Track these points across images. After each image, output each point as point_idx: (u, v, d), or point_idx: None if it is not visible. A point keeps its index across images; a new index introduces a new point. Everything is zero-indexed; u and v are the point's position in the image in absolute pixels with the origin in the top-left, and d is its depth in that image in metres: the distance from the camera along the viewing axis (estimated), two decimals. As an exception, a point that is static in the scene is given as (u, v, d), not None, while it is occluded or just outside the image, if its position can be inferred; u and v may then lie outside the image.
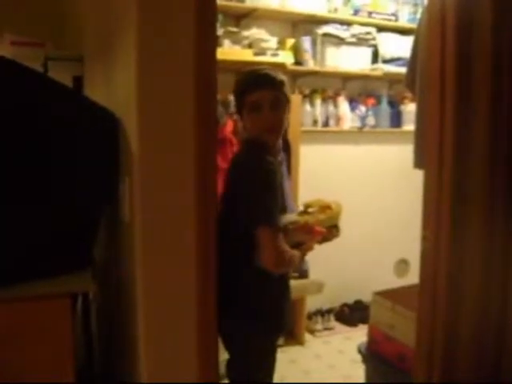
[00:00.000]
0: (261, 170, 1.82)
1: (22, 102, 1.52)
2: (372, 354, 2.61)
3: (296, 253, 1.91)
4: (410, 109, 4.15)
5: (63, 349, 1.60)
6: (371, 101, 4.25)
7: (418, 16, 3.49)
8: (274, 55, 3.64)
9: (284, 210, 1.91)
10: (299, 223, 1.98)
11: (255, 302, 1.93)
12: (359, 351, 2.70)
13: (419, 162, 2.49)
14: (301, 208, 2.12)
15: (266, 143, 1.88)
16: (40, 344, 1.58)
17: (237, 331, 1.97)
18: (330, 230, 2.07)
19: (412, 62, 2.68)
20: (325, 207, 2.08)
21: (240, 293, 1.92)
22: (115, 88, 1.90)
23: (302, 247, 1.99)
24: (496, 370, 2.10)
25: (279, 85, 1.91)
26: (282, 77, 1.95)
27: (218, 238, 1.69)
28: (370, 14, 4.06)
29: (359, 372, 2.80)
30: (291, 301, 2.12)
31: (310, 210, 2.07)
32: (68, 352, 1.61)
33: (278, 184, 1.82)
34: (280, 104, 1.91)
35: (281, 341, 3.63)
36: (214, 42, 1.65)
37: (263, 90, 1.88)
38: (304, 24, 3.95)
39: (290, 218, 1.95)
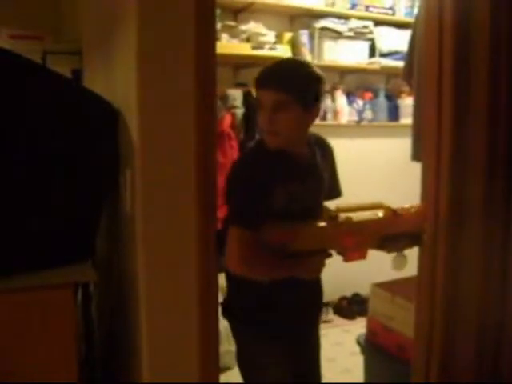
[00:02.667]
0: (238, 170, 1.74)
1: (22, 92, 1.52)
2: (371, 346, 2.62)
3: (280, 260, 1.68)
4: (407, 102, 4.15)
5: (66, 338, 1.61)
6: (369, 95, 4.25)
7: (415, 10, 3.50)
8: (272, 49, 3.64)
9: (304, 211, 1.77)
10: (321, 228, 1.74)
11: (239, 306, 1.85)
12: (358, 343, 2.72)
13: (417, 155, 2.50)
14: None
15: (264, 144, 1.74)
16: (43, 334, 1.59)
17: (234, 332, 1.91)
18: (401, 238, 1.87)
19: (409, 56, 2.68)
20: (387, 211, 1.84)
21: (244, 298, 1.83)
22: (115, 80, 1.90)
23: (318, 255, 1.77)
24: (496, 360, 2.12)
25: (290, 86, 1.67)
26: (305, 77, 1.72)
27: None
28: (367, 7, 4.06)
29: (358, 364, 2.81)
30: (297, 305, 1.88)
31: (340, 214, 1.78)
32: (71, 342, 1.62)
33: (270, 185, 1.68)
34: (287, 107, 1.66)
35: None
36: (214, 34, 1.65)
37: (266, 90, 1.68)
38: (301, 18, 3.95)
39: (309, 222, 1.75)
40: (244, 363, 1.87)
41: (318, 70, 1.77)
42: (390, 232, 1.85)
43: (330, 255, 1.80)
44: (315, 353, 2.06)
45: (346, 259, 1.82)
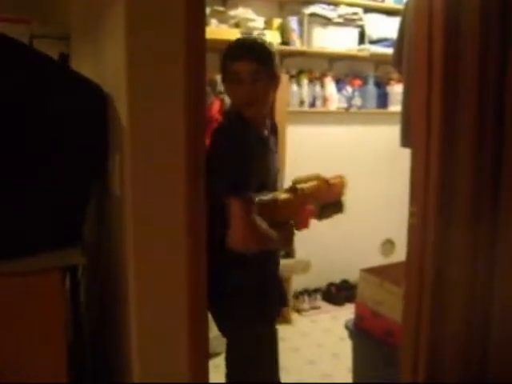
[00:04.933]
0: (232, 142, 1.75)
1: (9, 74, 1.51)
2: (359, 330, 2.64)
3: (273, 232, 1.80)
4: (396, 90, 4.17)
5: (54, 324, 1.61)
6: (358, 82, 4.25)
7: (405, -4, 3.50)
8: (261, 35, 3.62)
9: (265, 186, 1.85)
10: (288, 199, 1.90)
11: (234, 289, 1.87)
12: (346, 327, 2.74)
13: (406, 141, 2.52)
14: (288, 184, 2.03)
15: (244, 118, 1.81)
16: (31, 319, 1.59)
17: (224, 321, 1.94)
18: (331, 207, 2.04)
19: (399, 42, 2.69)
20: (323, 182, 2.02)
21: (216, 280, 1.80)
22: (104, 64, 1.89)
23: (286, 226, 1.91)
24: (484, 343, 2.14)
25: (265, 57, 1.82)
26: (272, 49, 1.87)
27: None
28: (356, -6, 4.05)
29: (346, 349, 2.83)
30: (282, 283, 2.06)
31: (299, 186, 1.97)
32: (59, 327, 1.61)
33: (256, 157, 1.75)
34: (263, 77, 1.80)
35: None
36: (204, 19, 1.64)
37: (245, 61, 1.78)
38: (291, 4, 3.94)
39: (275, 195, 1.88)
40: (243, 343, 1.93)
41: None
42: (326, 200, 2.06)
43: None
44: None
45: (300, 227, 1.99)
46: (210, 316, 1.86)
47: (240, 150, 1.72)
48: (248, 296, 1.87)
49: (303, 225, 2.00)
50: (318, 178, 2.05)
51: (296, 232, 1.99)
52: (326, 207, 2.06)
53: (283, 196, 1.91)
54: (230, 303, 1.89)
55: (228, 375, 2.07)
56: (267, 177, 1.89)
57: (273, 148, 1.99)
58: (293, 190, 1.96)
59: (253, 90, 1.79)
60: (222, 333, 2.00)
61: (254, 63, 1.78)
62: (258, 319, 1.90)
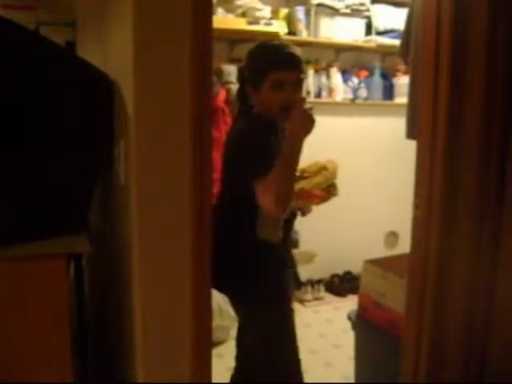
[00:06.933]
0: (258, 140, 1.83)
1: (18, 61, 1.51)
2: (362, 321, 2.64)
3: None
4: (402, 81, 4.14)
5: (59, 309, 1.61)
6: (364, 73, 4.24)
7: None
8: (268, 24, 3.61)
9: None
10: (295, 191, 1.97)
11: (256, 274, 1.94)
12: (349, 318, 2.74)
13: (411, 132, 2.51)
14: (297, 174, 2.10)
15: (274, 120, 1.89)
16: (35, 304, 1.59)
17: (242, 305, 2.02)
18: (328, 190, 2.10)
19: (406, 33, 2.67)
20: (320, 168, 2.11)
21: (240, 266, 1.93)
22: (110, 51, 1.89)
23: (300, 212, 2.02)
24: (486, 336, 2.15)
25: (301, 63, 1.91)
26: (300, 52, 1.94)
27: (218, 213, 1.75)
28: (364, -16, 4.03)
29: (349, 340, 2.84)
30: (295, 268, 2.14)
31: (306, 174, 2.08)
32: (64, 312, 1.62)
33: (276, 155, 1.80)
34: (301, 84, 1.93)
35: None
36: (211, 8, 1.64)
37: (288, 70, 1.87)
38: (298, -7, 3.92)
39: None
40: (261, 326, 1.97)
41: None
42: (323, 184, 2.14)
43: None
44: None
45: (305, 213, 2.14)
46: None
47: (262, 146, 1.81)
48: (269, 278, 1.95)
49: (308, 209, 2.13)
50: (316, 164, 2.17)
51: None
52: (326, 190, 2.13)
53: (297, 185, 2.01)
54: (251, 285, 1.94)
55: (242, 357, 2.14)
56: None
57: None
58: (302, 178, 2.09)
59: (293, 95, 1.89)
60: (238, 314, 2.10)
61: (296, 71, 1.89)
62: (277, 301, 1.97)
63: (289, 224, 2.05)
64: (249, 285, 1.94)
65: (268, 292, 1.93)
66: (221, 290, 2.04)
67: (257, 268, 1.94)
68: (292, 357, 2.02)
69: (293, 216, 2.07)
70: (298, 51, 1.92)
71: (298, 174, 2.10)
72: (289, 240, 2.12)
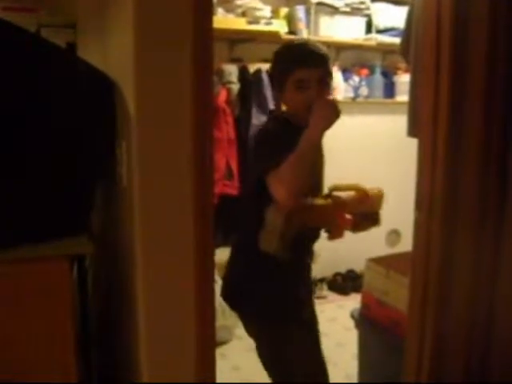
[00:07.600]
0: (270, 136, 1.81)
1: (21, 63, 1.51)
2: (365, 320, 2.64)
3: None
4: (403, 79, 4.15)
5: (62, 311, 1.62)
6: (365, 71, 4.24)
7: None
8: (268, 24, 3.61)
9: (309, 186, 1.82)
10: (324, 205, 1.85)
11: (263, 289, 1.89)
12: (352, 317, 2.74)
13: (413, 130, 2.51)
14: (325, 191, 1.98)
15: (299, 125, 1.76)
16: (40, 305, 1.60)
17: (251, 321, 1.97)
18: (368, 219, 2.01)
19: (407, 32, 2.67)
20: (361, 192, 1.97)
21: (248, 281, 1.90)
22: (111, 52, 1.89)
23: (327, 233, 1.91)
24: (487, 335, 2.14)
25: (327, 61, 1.84)
26: (326, 51, 1.87)
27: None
28: (364, -17, 4.03)
29: (352, 339, 2.84)
30: (311, 289, 2.09)
31: (334, 193, 1.91)
32: (67, 315, 1.62)
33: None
34: (327, 83, 1.84)
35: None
36: (211, 8, 1.64)
37: (312, 68, 1.78)
38: (298, -7, 3.92)
39: (312, 200, 1.84)
40: (269, 342, 1.93)
41: None
42: (362, 211, 2.01)
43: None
44: None
45: (332, 237, 1.93)
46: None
47: (273, 143, 1.77)
48: (274, 297, 1.90)
49: (338, 234, 1.95)
50: (356, 187, 2.00)
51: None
52: (363, 219, 2.02)
53: (320, 202, 1.87)
54: (260, 307, 1.90)
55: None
56: (311, 176, 1.83)
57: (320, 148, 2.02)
58: (330, 197, 1.92)
59: (318, 95, 1.79)
60: (250, 335, 2.00)
61: (320, 69, 1.80)
62: (275, 319, 1.91)
63: (308, 244, 2.01)
64: (256, 299, 1.91)
65: (276, 308, 1.89)
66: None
67: (264, 282, 1.89)
68: (309, 370, 1.97)
69: (315, 236, 2.01)
70: (323, 49, 1.84)
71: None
72: (309, 259, 2.04)
